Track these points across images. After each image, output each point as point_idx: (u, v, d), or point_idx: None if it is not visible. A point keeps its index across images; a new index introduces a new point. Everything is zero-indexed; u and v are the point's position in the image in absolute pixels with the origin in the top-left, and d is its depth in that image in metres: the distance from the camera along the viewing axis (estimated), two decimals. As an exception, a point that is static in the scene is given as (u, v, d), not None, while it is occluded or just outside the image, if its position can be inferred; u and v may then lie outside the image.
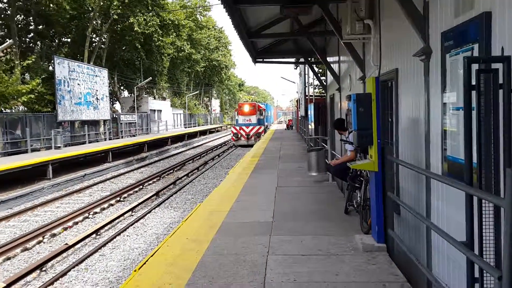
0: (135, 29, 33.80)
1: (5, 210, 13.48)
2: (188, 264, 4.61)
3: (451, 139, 4.01)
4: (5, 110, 21.12)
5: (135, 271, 4.47)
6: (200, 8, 54.82)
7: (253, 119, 34.45)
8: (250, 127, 34.03)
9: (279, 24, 12.69)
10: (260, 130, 34.40)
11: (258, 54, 16.67)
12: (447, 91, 4.08)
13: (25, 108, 24.48)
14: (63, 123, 25.68)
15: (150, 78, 40.18)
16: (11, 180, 16.34)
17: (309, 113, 21.03)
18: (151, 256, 4.85)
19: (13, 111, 24.56)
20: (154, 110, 44.48)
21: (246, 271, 4.37)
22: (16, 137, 21.61)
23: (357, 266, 4.41)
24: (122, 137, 33.66)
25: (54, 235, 10.79)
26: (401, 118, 5.95)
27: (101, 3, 31.28)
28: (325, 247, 5.05)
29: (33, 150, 22.07)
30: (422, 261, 4.80)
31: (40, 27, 31.14)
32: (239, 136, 34.05)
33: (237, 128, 34.36)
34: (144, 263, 4.64)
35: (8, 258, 9.09)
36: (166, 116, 47.52)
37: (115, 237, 10.36)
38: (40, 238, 10.32)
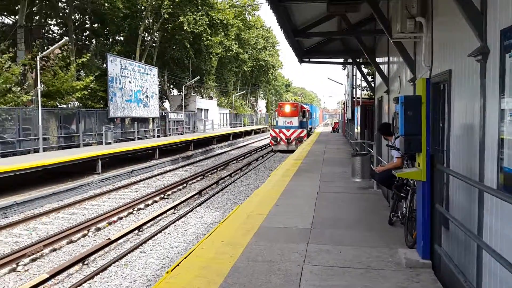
0: (185, 28, 34.39)
1: (56, 202, 14.07)
2: (221, 268, 4.49)
3: (509, 149, 3.62)
4: (60, 105, 22.11)
5: (167, 272, 4.41)
6: (249, 7, 55.01)
7: (295, 121, 30.92)
8: (291, 130, 30.37)
9: (326, 23, 12.40)
10: (302, 134, 30.46)
11: (305, 54, 16.41)
12: (505, 95, 3.70)
13: (79, 104, 25.55)
14: (115, 119, 26.60)
15: (198, 77, 40.81)
16: (64, 173, 17.06)
17: (355, 116, 20.46)
18: (185, 258, 4.77)
19: (69, 106, 25.73)
20: (201, 109, 45.17)
21: (279, 281, 4.18)
22: (70, 132, 22.59)
23: (399, 284, 4.10)
24: (169, 135, 34.40)
25: (99, 229, 11.09)
26: (453, 124, 5.53)
27: (153, 2, 32.11)
28: (365, 260, 4.75)
29: (85, 145, 22.99)
30: (471, 281, 4.41)
31: (96, 25, 32.47)
32: (278, 140, 30.45)
33: (277, 131, 30.76)
34: (177, 265, 4.57)
35: (54, 250, 9.41)
36: (213, 115, 48.14)
37: (156, 234, 10.49)
38: (85, 232, 10.63)
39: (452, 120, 5.57)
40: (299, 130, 30.48)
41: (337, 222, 6.42)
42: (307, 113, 36.25)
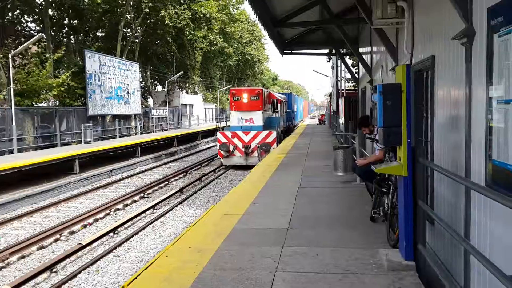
0: (166, 22, 33.63)
1: (30, 205, 13.44)
2: (184, 280, 4.04)
3: (497, 141, 3.24)
4: (36, 104, 21.30)
5: (123, 287, 3.95)
6: (233, 0, 54.22)
7: (257, 118, 19.96)
8: (252, 134, 19.64)
9: (307, 12, 11.98)
10: (269, 139, 19.51)
11: (286, 45, 15.98)
12: (493, 80, 3.31)
13: (57, 102, 24.77)
14: (98, 117, 25.88)
15: (182, 72, 40.13)
16: (39, 174, 16.41)
17: (340, 107, 20.12)
18: (145, 269, 4.31)
19: (49, 104, 24.92)
20: (186, 105, 44.49)
21: (248, 292, 3.75)
22: (46, 132, 21.82)
23: (379, 291, 3.70)
24: (153, 132, 33.72)
25: (72, 232, 10.56)
26: (437, 113, 5.16)
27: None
28: (344, 263, 4.35)
29: (64, 144, 22.23)
30: (458, 283, 4.05)
31: (74, 21, 31.53)
32: (230, 148, 19.65)
33: (228, 134, 19.85)
34: (135, 278, 4.11)
35: (23, 257, 8.87)
36: (198, 111, 47.50)
37: (132, 236, 10.01)
38: (58, 236, 10.09)
39: (436, 109, 5.20)
40: (265, 133, 19.67)
41: (316, 221, 6.01)
42: (279, 105, 24.85)
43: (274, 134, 19.66)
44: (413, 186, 4.23)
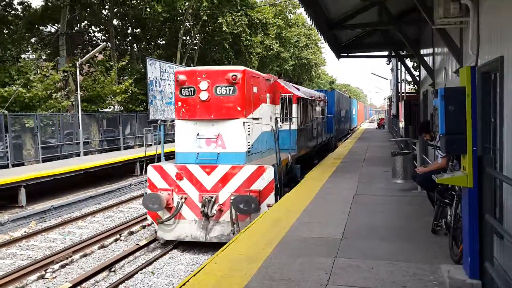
0: (224, 29, 34.26)
1: (94, 206, 14.13)
2: (233, 288, 3.99)
3: None
4: (102, 109, 22.49)
5: (172, 292, 3.96)
6: (290, 6, 54.18)
7: (233, 134, 8.74)
8: (220, 171, 8.64)
9: (364, 14, 11.63)
10: (258, 184, 8.32)
11: (343, 48, 15.60)
12: None
13: (121, 107, 25.97)
14: (164, 122, 26.86)
15: (239, 77, 40.62)
16: (103, 176, 17.25)
17: (400, 111, 19.35)
18: (193, 275, 4.31)
19: (114, 110, 26.22)
20: (242, 109, 44.85)
21: (297, 305, 3.63)
22: (111, 135, 22.93)
23: (439, 312, 3.43)
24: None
25: (132, 233, 10.92)
26: (506, 118, 4.73)
27: (192, 5, 32.19)
28: (401, 278, 4.09)
29: (127, 148, 23.23)
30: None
31: (137, 30, 33.01)
32: (173, 202, 8.92)
33: (169, 171, 9.13)
34: (183, 284, 4.11)
35: (85, 255, 9.28)
36: (255, 115, 47.72)
37: (187, 238, 10.16)
38: (118, 236, 10.48)
39: (505, 114, 4.78)
40: (248, 170, 8.53)
41: (372, 231, 5.74)
42: (296, 107, 11.70)
43: (269, 173, 8.48)
44: (479, 198, 3.90)
